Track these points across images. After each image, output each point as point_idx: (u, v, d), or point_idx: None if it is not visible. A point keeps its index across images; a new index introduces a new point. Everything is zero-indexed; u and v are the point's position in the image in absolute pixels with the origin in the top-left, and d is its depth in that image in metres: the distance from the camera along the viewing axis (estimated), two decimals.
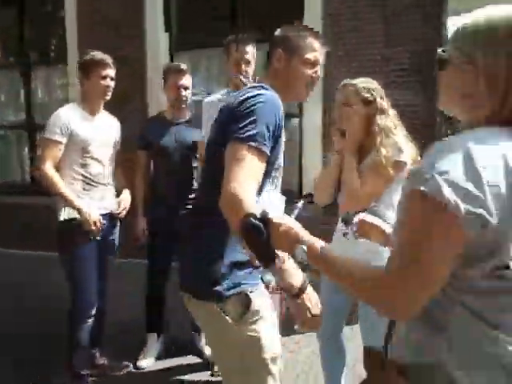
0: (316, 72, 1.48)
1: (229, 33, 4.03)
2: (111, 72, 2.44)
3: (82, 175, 2.41)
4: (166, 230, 2.70)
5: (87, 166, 2.41)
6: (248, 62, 2.49)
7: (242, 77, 2.45)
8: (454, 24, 0.96)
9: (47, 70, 5.10)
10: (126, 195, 2.63)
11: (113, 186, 2.57)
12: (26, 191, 4.95)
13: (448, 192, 0.78)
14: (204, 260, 1.35)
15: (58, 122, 2.33)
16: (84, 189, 2.42)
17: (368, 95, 1.95)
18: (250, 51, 2.50)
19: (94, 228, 2.35)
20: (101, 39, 4.35)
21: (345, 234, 1.97)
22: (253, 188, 1.20)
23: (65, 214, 2.36)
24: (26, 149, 5.16)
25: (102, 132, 2.48)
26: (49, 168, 2.31)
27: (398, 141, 1.93)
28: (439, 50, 0.97)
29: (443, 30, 3.70)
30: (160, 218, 2.76)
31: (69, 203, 2.33)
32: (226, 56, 2.55)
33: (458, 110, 0.96)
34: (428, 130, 3.55)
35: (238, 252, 1.28)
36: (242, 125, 1.24)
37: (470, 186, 0.78)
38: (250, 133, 1.23)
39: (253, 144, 1.22)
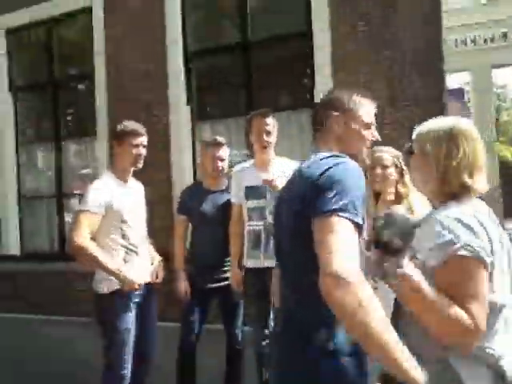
0: (373, 133, 1.48)
1: (245, 104, 4.45)
2: (143, 140, 2.51)
3: (122, 245, 2.39)
4: (203, 290, 2.87)
5: (126, 235, 2.40)
6: (269, 133, 2.72)
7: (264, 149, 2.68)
8: (417, 129, 1.44)
9: (78, 142, 5.49)
10: (159, 263, 2.69)
11: (148, 254, 2.59)
12: (54, 258, 5.18)
13: (481, 253, 1.24)
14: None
15: (97, 194, 2.34)
16: (125, 260, 2.39)
17: (396, 160, 2.44)
18: (271, 123, 2.75)
19: (136, 287, 2.32)
20: (128, 115, 4.72)
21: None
22: (355, 261, 1.11)
23: (105, 287, 2.33)
24: (56, 217, 5.41)
25: (135, 199, 2.53)
26: (86, 240, 2.26)
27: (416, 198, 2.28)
28: (407, 145, 1.49)
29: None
30: (199, 280, 2.91)
31: (113, 274, 2.27)
32: (248, 128, 2.77)
33: (422, 186, 1.48)
34: None
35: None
36: (330, 196, 1.18)
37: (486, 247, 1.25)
38: (342, 203, 1.17)
39: (346, 215, 1.16)
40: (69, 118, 5.64)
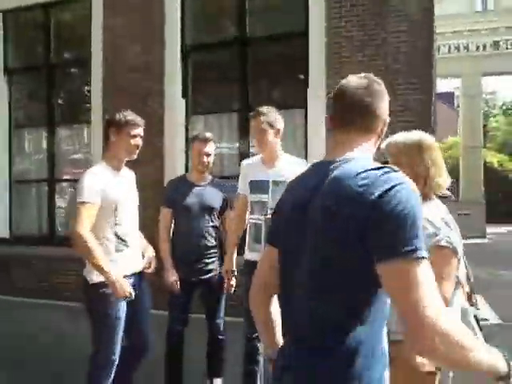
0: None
1: (239, 100, 4.53)
2: (141, 131, 2.49)
3: (116, 234, 2.39)
4: (185, 281, 2.95)
5: (119, 224, 2.41)
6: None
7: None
8: (388, 141, 1.84)
9: (70, 128, 5.53)
10: (152, 252, 2.71)
11: (140, 243, 2.61)
12: (44, 242, 5.24)
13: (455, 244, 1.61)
14: None
15: (92, 184, 2.31)
16: (117, 249, 2.39)
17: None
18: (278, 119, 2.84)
19: (126, 296, 2.31)
20: (123, 104, 4.77)
21: None
22: (441, 304, 0.97)
23: (97, 276, 2.32)
24: (46, 201, 5.45)
25: (128, 188, 2.52)
26: (87, 232, 2.25)
27: None
28: (380, 155, 1.66)
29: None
30: (180, 270, 2.99)
31: (104, 275, 2.26)
32: (254, 124, 2.83)
33: None
34: None
35: None
36: (407, 230, 0.98)
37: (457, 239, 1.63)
38: (419, 240, 0.99)
39: (421, 255, 0.97)
40: (62, 103, 5.65)
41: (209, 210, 3.03)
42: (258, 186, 2.85)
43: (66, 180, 5.51)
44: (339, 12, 4.20)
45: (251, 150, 4.62)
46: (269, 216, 2.75)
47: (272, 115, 2.82)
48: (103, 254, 2.28)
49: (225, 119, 4.80)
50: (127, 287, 2.30)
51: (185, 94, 4.75)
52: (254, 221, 2.87)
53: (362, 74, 1.22)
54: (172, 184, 3.22)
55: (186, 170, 4.55)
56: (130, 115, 2.48)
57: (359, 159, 1.12)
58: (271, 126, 2.79)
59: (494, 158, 19.18)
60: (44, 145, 5.44)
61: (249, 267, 2.85)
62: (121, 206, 2.42)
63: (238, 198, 3.01)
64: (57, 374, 3.30)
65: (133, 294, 2.32)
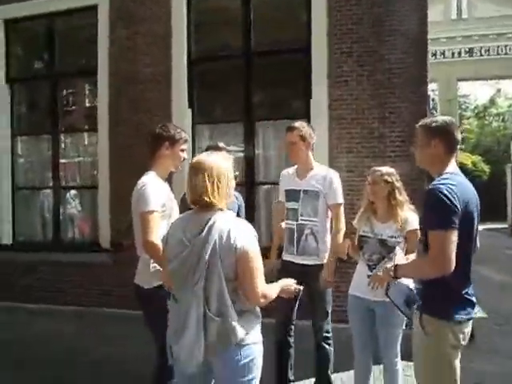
0: None
1: (243, 111, 4.74)
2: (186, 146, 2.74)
3: None
4: None
5: None
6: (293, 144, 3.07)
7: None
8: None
9: (75, 136, 5.63)
10: None
11: None
12: (48, 248, 5.33)
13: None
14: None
15: (155, 193, 2.44)
16: None
17: (388, 178, 2.75)
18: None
19: None
20: (130, 116, 4.95)
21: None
22: None
23: (156, 280, 2.41)
24: (51, 208, 5.53)
25: (172, 196, 2.69)
26: (159, 240, 2.31)
27: (407, 216, 2.71)
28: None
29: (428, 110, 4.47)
30: None
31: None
32: (288, 137, 3.09)
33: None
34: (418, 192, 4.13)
35: None
36: None
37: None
38: None
39: None
40: (67, 111, 5.74)
41: None
42: (291, 195, 3.12)
43: (71, 187, 5.61)
44: (341, 29, 4.47)
45: (256, 158, 4.85)
46: (300, 222, 3.02)
47: (304, 130, 3.07)
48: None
49: (230, 129, 5.00)
50: None
51: (191, 104, 4.93)
52: (288, 225, 3.13)
53: None
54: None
55: None
56: (181, 131, 2.71)
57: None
58: (303, 139, 3.05)
59: (468, 159, 19.87)
60: (49, 152, 5.52)
61: (284, 266, 3.11)
62: (173, 213, 2.57)
63: (277, 205, 3.34)
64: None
65: None
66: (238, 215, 3.35)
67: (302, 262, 3.03)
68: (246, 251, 1.78)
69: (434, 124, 2.04)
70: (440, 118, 2.09)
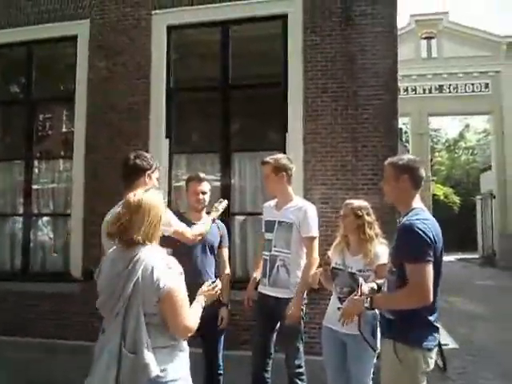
0: None
1: (220, 141, 4.81)
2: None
3: None
4: None
5: None
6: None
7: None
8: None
9: (49, 163, 5.56)
10: None
11: None
12: (16, 278, 5.16)
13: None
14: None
15: None
16: None
17: (358, 212, 2.76)
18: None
19: None
20: (108, 144, 4.94)
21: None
22: None
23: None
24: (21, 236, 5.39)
25: None
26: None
27: (378, 250, 2.75)
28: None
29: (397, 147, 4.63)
30: None
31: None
32: (263, 171, 3.24)
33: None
34: (390, 224, 4.23)
35: None
36: None
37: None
38: None
39: None
40: (42, 137, 5.68)
41: (210, 247, 3.25)
42: (267, 226, 3.17)
43: (43, 214, 5.50)
44: (316, 65, 4.64)
45: (232, 188, 4.89)
46: (273, 252, 3.05)
47: (277, 163, 3.13)
48: None
49: (207, 159, 5.05)
50: None
51: (168, 134, 4.97)
52: (264, 256, 3.16)
53: None
54: None
55: (169, 204, 4.71)
56: (155, 159, 2.86)
57: None
58: (276, 172, 3.11)
59: (439, 191, 20.45)
60: (22, 179, 5.42)
61: (259, 297, 3.11)
62: None
63: (260, 236, 3.41)
64: None
65: None
66: (221, 244, 3.35)
67: (273, 295, 3.04)
68: (168, 290, 1.81)
69: (401, 162, 2.16)
70: (406, 157, 2.24)
